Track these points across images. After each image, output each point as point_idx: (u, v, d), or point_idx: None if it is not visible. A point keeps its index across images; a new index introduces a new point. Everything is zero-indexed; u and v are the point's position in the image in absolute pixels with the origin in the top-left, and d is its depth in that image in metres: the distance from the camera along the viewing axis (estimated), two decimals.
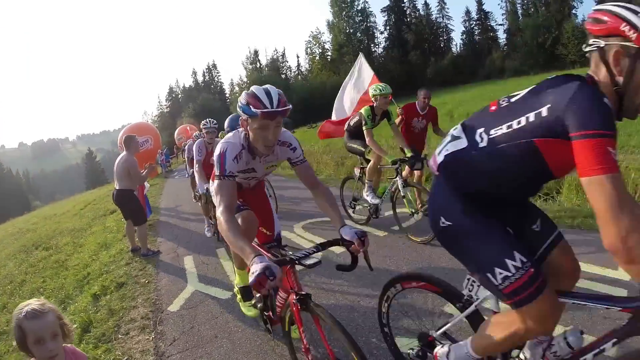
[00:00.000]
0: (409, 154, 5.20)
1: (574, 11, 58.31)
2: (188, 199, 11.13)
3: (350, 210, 6.44)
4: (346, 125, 6.27)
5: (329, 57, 67.01)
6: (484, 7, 69.77)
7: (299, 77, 67.72)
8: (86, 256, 7.40)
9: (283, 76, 62.81)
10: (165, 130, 62.63)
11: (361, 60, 8.67)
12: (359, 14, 66.99)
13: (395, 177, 5.34)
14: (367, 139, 5.54)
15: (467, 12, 70.90)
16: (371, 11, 68.64)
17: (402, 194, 5.30)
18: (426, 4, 72.42)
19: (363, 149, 5.74)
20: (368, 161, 5.77)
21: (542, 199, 6.19)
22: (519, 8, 65.28)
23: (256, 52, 64.72)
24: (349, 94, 8.66)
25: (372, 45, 69.35)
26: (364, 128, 5.55)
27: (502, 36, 69.41)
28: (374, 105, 5.66)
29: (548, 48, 54.32)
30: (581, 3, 59.43)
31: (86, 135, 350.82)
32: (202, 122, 7.26)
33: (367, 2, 68.12)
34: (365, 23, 67.70)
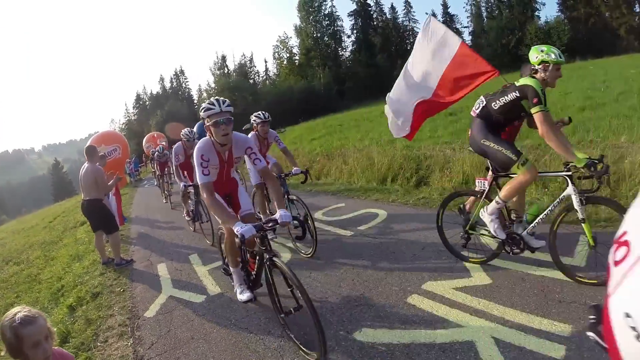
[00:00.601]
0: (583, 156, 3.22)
1: (537, 13, 60.16)
2: (159, 207, 11.17)
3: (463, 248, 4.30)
4: (479, 110, 3.91)
5: (296, 61, 66.97)
6: (449, 10, 71.20)
7: (267, 81, 67.41)
8: (59, 269, 7.40)
9: (251, 81, 62.29)
10: (134, 138, 61.39)
11: (434, 21, 5.45)
12: (326, 18, 67.07)
13: (567, 189, 3.43)
14: (544, 130, 3.36)
15: (433, 15, 72.26)
16: (338, 15, 68.83)
17: (580, 216, 3.36)
18: (392, 8, 73.29)
19: (515, 158, 3.53)
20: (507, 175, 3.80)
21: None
22: (483, 11, 66.88)
23: (224, 58, 64.02)
24: (423, 68, 5.38)
25: (340, 49, 69.65)
26: (536, 110, 3.38)
27: (467, 38, 70.81)
28: (544, 78, 3.52)
29: (512, 49, 55.97)
30: (544, 5, 61.30)
31: (52, 145, 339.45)
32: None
33: (334, 7, 68.46)
34: (332, 27, 67.79)
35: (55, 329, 4.36)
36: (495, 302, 3.35)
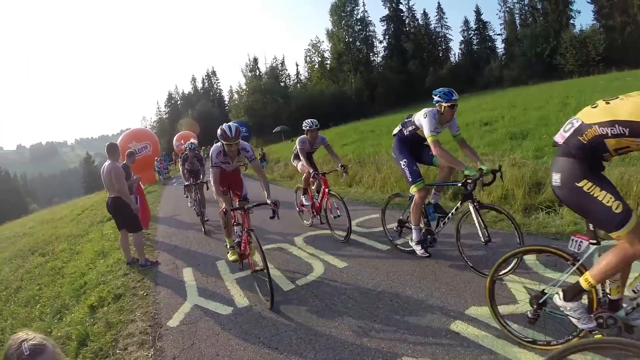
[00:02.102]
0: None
1: (572, 21, 58.55)
2: (187, 208, 11.00)
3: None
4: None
5: (328, 65, 66.79)
6: (482, 17, 70.03)
7: (298, 85, 67.43)
8: (83, 264, 7.27)
9: (282, 84, 62.33)
10: (164, 136, 62.58)
11: None
12: (358, 23, 66.82)
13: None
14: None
15: (466, 22, 70.99)
16: (370, 20, 68.48)
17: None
18: (425, 14, 72.61)
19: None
20: None
21: (545, 212, 6.07)
22: (517, 18, 65.48)
23: (255, 60, 64.18)
24: None
25: (371, 54, 69.28)
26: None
27: (500, 46, 69.59)
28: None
29: (546, 58, 54.27)
30: (579, 13, 59.73)
31: (85, 139, 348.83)
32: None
33: (366, 12, 68.10)
34: (364, 32, 67.49)
35: (74, 331, 4.22)
36: (543, 332, 2.97)
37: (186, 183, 9.12)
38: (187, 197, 10.64)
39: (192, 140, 11.27)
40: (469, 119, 16.50)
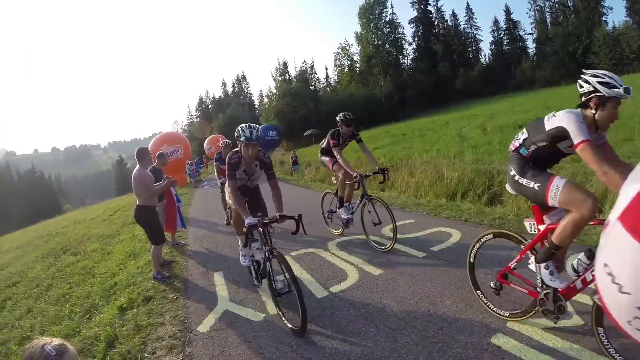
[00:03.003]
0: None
1: (604, 18, 56.47)
2: (218, 210, 10.99)
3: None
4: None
5: (357, 68, 66.37)
6: (512, 16, 68.33)
7: (328, 89, 67.16)
8: (114, 265, 7.30)
9: (312, 87, 62.13)
10: (195, 140, 63.66)
11: None
12: (387, 26, 66.15)
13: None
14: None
15: (496, 22, 69.53)
16: (399, 22, 67.71)
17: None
18: (454, 15, 71.52)
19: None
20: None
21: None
22: (547, 16, 63.66)
23: (285, 64, 63.93)
24: None
25: (401, 56, 68.53)
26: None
27: (531, 46, 67.72)
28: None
29: (578, 57, 52.23)
30: (611, 10, 57.58)
31: (117, 143, 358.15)
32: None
33: (395, 14, 67.93)
34: (393, 34, 66.80)
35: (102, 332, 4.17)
36: (588, 348, 2.79)
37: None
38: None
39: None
40: (503, 121, 16.05)
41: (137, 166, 5.95)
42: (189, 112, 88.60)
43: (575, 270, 2.88)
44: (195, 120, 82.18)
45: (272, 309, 4.21)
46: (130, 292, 5.43)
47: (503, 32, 69.50)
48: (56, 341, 1.58)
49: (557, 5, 62.17)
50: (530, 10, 66.23)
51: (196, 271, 6.05)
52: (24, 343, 4.98)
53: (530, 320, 3.23)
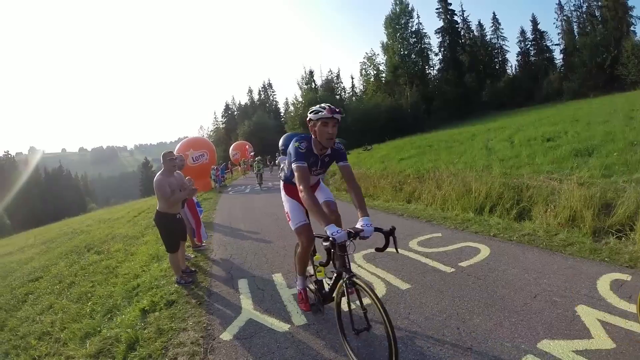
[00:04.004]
0: None
1: (632, 28, 54.73)
2: (242, 216, 11.01)
3: None
4: None
5: (383, 78, 66.04)
6: (539, 26, 66.94)
7: (354, 98, 66.81)
8: (137, 266, 7.31)
9: (337, 97, 61.85)
10: (220, 145, 64.38)
11: None
12: (413, 36, 65.68)
13: None
14: None
15: (522, 33, 68.34)
16: (425, 32, 67.10)
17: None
18: (480, 25, 70.57)
19: None
20: None
21: (615, 236, 5.49)
22: (575, 27, 62.14)
23: (311, 73, 63.63)
24: None
25: (427, 67, 68.01)
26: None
27: (558, 57, 66.18)
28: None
29: (607, 68, 50.74)
30: None
31: (143, 145, 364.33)
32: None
33: (421, 24, 66.87)
34: (419, 44, 66.26)
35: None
36: None
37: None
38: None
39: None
40: (530, 134, 15.66)
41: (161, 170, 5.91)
42: (214, 117, 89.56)
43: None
44: (221, 126, 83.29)
45: (297, 319, 4.12)
46: (153, 295, 5.40)
47: (530, 43, 68.22)
48: None
49: (584, 16, 60.70)
50: (557, 20, 64.62)
51: (220, 278, 5.99)
52: (43, 338, 5.04)
53: (561, 343, 3.12)
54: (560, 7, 62.86)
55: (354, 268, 5.45)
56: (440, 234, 6.77)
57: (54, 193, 77.25)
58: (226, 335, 3.98)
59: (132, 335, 4.19)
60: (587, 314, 3.46)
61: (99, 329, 4.75)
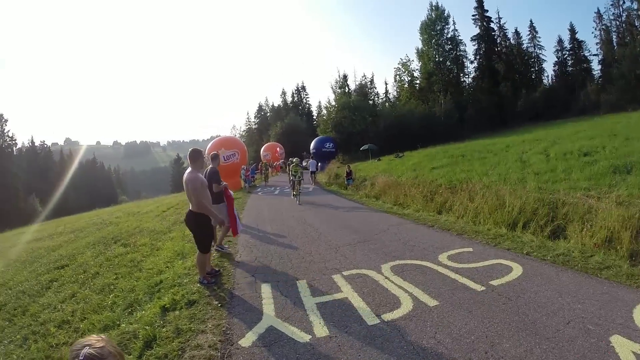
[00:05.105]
0: None
1: None
2: (270, 218, 10.95)
3: None
4: None
5: (417, 85, 65.08)
6: (577, 35, 64.52)
7: (387, 104, 65.81)
8: (161, 262, 7.30)
9: (370, 102, 61.14)
10: (252, 145, 64.98)
11: None
12: (449, 42, 64.36)
13: None
14: None
15: (560, 42, 66.14)
16: (461, 39, 65.32)
17: None
18: (517, 33, 68.64)
19: None
20: None
21: None
22: (614, 37, 59.61)
23: (345, 77, 62.68)
24: None
25: (462, 74, 66.59)
26: None
27: (596, 67, 63.69)
28: None
29: None
30: None
31: (176, 142, 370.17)
32: None
33: (456, 30, 65.26)
34: (455, 51, 64.72)
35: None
36: None
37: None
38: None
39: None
40: (567, 148, 15.09)
41: (189, 168, 5.75)
42: (247, 118, 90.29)
43: None
44: (254, 126, 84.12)
45: (319, 330, 3.99)
46: (175, 293, 5.36)
47: (567, 52, 66.00)
48: (98, 349, 1.50)
49: (624, 25, 58.13)
50: (595, 29, 62.25)
51: (243, 280, 5.89)
52: (63, 326, 5.05)
53: None
54: (599, 16, 60.61)
55: (381, 280, 5.36)
56: (471, 249, 6.54)
57: (86, 183, 79.50)
58: (245, 342, 3.87)
59: (150, 333, 4.15)
60: (621, 345, 3.25)
61: (118, 322, 4.73)
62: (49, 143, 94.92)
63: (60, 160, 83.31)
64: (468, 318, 4.00)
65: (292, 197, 16.59)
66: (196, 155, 5.78)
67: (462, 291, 4.75)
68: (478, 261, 5.83)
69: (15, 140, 67.52)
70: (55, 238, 14.50)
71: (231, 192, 7.65)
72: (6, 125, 65.27)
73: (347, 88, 62.21)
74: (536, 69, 69.84)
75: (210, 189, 6.83)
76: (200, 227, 5.68)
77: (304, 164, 29.39)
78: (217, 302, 5.01)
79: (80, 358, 1.46)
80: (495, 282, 4.92)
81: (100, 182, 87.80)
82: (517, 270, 5.33)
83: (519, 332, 3.65)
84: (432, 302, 4.44)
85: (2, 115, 65.61)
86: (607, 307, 3.97)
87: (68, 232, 15.62)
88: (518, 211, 8.04)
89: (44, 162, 77.72)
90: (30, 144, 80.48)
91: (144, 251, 8.68)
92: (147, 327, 4.28)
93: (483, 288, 4.79)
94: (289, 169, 19.31)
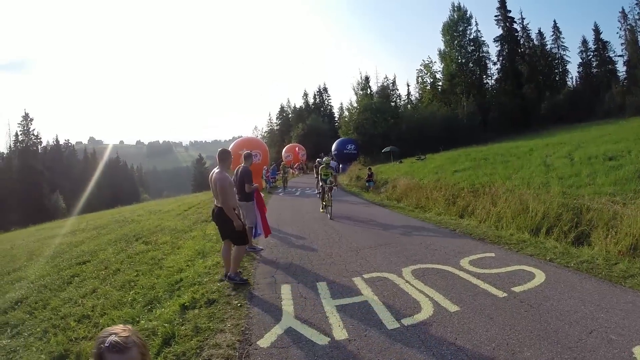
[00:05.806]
0: None
1: None
2: (291, 219, 10.96)
3: None
4: None
5: (439, 87, 64.25)
6: (601, 36, 62.53)
7: (409, 106, 65.15)
8: (182, 260, 7.35)
9: (392, 104, 60.45)
10: (273, 146, 65.24)
11: None
12: (471, 44, 63.22)
13: None
14: None
15: (584, 42, 64.32)
16: (484, 40, 64.04)
17: None
18: (540, 33, 67.07)
19: None
20: None
21: None
22: (639, 37, 57.82)
23: (367, 78, 61.65)
24: None
25: (484, 76, 65.45)
26: None
27: (621, 69, 61.70)
28: None
29: None
30: None
31: (198, 142, 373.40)
32: None
33: (479, 31, 64.07)
34: (477, 53, 63.44)
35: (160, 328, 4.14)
36: None
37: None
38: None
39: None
40: (591, 151, 14.75)
41: (217, 167, 5.82)
42: (269, 119, 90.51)
43: None
44: (275, 127, 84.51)
45: (338, 333, 3.96)
46: (195, 292, 5.40)
47: (592, 54, 64.15)
48: (124, 338, 1.55)
49: None
50: (620, 29, 60.29)
51: (263, 281, 5.90)
52: (82, 321, 5.12)
53: None
54: (624, 15, 58.70)
55: (401, 283, 5.32)
56: (493, 254, 6.44)
57: (109, 182, 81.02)
58: (263, 342, 3.87)
59: (169, 330, 4.18)
60: None
61: (137, 319, 4.78)
62: (73, 142, 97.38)
63: (84, 158, 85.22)
64: (489, 325, 3.93)
65: (320, 210, 12.95)
66: (225, 155, 5.90)
67: (483, 297, 4.68)
68: (500, 267, 5.73)
69: (40, 138, 69.27)
70: (77, 234, 14.75)
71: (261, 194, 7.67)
72: (32, 124, 66.92)
73: (369, 90, 61.55)
74: (560, 70, 68.08)
75: (241, 187, 7.03)
76: (229, 221, 5.67)
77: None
78: (236, 302, 5.02)
79: (106, 345, 1.51)
80: (517, 289, 4.83)
81: (123, 180, 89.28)
82: (539, 277, 5.23)
83: (540, 340, 3.57)
84: (453, 308, 4.39)
85: (27, 114, 67.27)
86: (630, 316, 3.86)
87: (90, 228, 15.90)
88: (542, 216, 7.91)
89: (68, 160, 79.60)
90: (55, 142, 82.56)
91: (165, 249, 8.75)
92: (166, 325, 4.31)
93: (505, 294, 4.71)
94: (316, 171, 16.69)
